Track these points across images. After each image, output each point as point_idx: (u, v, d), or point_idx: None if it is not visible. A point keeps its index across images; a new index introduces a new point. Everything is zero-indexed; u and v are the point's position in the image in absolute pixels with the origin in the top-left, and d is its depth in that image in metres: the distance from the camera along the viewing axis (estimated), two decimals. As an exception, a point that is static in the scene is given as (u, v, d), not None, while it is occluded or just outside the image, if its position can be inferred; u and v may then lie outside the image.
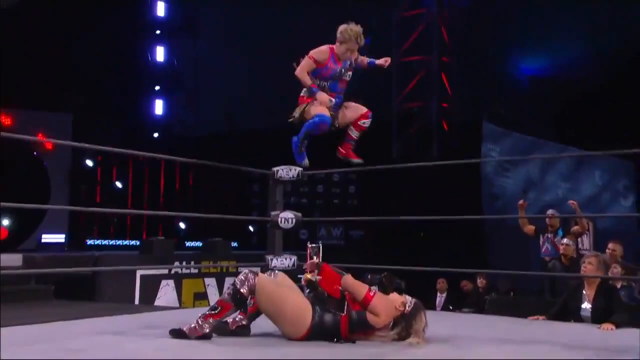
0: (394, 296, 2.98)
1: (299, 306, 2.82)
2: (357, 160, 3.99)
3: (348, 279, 2.94)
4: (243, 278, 2.89)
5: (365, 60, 3.81)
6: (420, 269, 5.04)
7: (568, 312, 4.18)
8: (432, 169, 7.53)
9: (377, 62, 3.79)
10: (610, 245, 5.70)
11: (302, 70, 3.63)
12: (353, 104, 3.82)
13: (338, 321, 2.82)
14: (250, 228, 13.98)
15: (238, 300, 2.89)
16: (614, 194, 14.36)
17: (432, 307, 7.27)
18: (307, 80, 3.64)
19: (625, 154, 12.33)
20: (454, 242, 11.01)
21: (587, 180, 13.60)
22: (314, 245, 4.92)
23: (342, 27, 3.63)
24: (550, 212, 6.54)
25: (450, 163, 8.36)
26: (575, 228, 6.13)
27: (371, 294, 2.86)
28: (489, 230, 11.57)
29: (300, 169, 4.88)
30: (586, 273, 4.20)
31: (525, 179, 12.24)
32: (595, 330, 3.62)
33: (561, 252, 5.94)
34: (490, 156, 11.37)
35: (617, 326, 3.64)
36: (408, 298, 2.95)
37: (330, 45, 3.66)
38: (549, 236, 6.33)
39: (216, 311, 2.88)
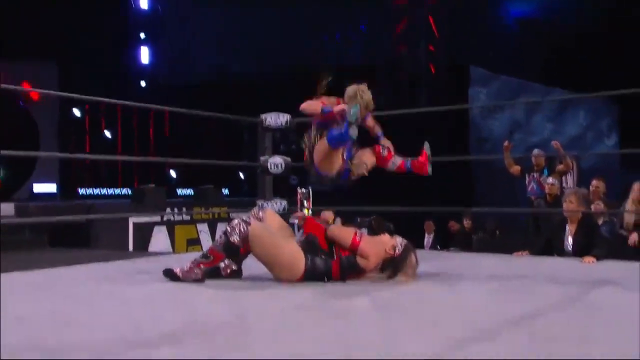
0: (384, 238, 3.00)
1: (293, 254, 2.84)
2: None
3: (333, 228, 2.93)
4: (235, 227, 2.86)
5: (372, 123, 3.58)
6: (408, 209, 5.13)
7: (552, 248, 4.31)
8: (420, 113, 7.52)
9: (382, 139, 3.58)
10: (594, 183, 5.82)
11: (308, 104, 3.33)
12: (359, 152, 3.49)
13: (329, 266, 2.86)
14: (241, 175, 14.01)
15: (230, 250, 2.91)
16: (598, 133, 14.50)
17: (420, 247, 7.40)
18: (314, 105, 3.31)
19: (609, 96, 12.48)
20: (442, 185, 11.12)
21: (571, 121, 13.71)
22: (303, 190, 4.98)
23: (351, 91, 3.32)
24: (535, 152, 6.61)
25: (438, 109, 8.42)
26: (560, 167, 6.21)
27: (357, 238, 2.87)
28: (477, 172, 11.69)
29: (289, 116, 4.88)
30: (568, 209, 4.31)
31: (511, 121, 12.32)
32: (578, 263, 3.74)
33: (546, 191, 6.05)
34: (478, 99, 11.36)
35: (598, 259, 3.77)
36: (398, 240, 2.97)
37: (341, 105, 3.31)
38: (535, 176, 6.42)
39: (208, 260, 2.90)
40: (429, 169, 3.51)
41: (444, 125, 10.79)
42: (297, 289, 2.71)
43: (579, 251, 4.05)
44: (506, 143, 6.38)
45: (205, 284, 2.88)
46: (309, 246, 2.88)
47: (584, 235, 4.16)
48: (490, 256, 4.31)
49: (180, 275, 2.88)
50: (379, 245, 2.93)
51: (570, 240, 4.24)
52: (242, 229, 2.84)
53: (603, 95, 7.34)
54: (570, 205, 4.30)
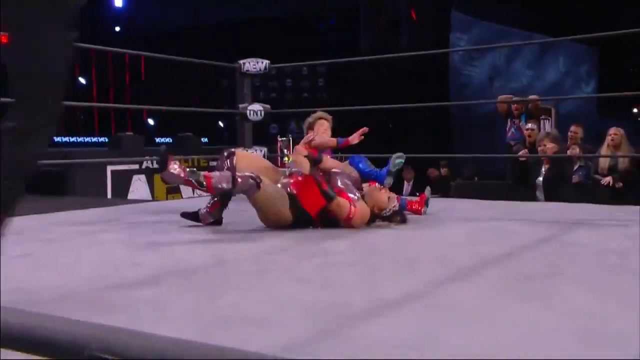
0: (381, 197, 2.99)
1: (283, 218, 2.83)
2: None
3: (333, 205, 2.81)
4: (244, 182, 2.71)
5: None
6: (388, 156, 5.15)
7: (526, 179, 4.51)
8: (401, 60, 7.49)
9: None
10: (572, 128, 5.89)
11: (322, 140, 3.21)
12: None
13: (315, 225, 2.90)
14: (220, 124, 13.89)
15: (224, 197, 2.95)
16: (577, 79, 14.56)
17: (400, 193, 7.48)
18: (329, 141, 3.23)
19: (588, 41, 12.46)
20: (421, 133, 11.17)
21: (551, 67, 13.73)
22: (284, 138, 4.96)
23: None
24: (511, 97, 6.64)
25: (418, 54, 8.32)
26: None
27: (351, 215, 2.83)
28: (456, 120, 11.72)
29: (268, 61, 4.81)
30: (546, 152, 4.43)
31: (491, 68, 12.30)
32: (553, 207, 3.81)
33: (526, 135, 6.10)
34: (458, 45, 11.27)
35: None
36: (391, 205, 3.00)
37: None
38: (515, 121, 6.48)
39: (202, 187, 2.80)
40: (424, 211, 3.44)
41: (424, 71, 10.75)
42: (278, 233, 2.75)
43: (548, 185, 4.20)
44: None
45: (185, 229, 2.90)
46: (296, 209, 2.84)
47: (554, 170, 4.32)
48: (468, 201, 4.39)
49: (201, 217, 2.93)
50: (368, 208, 2.93)
51: (542, 177, 4.41)
52: (252, 188, 2.71)
53: (581, 39, 7.33)
54: (549, 145, 4.42)
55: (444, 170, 8.84)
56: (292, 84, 13.26)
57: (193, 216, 3.06)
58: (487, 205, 4.01)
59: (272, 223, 2.86)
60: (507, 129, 6.59)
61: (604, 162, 5.36)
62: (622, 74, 13.89)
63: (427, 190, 3.60)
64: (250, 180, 2.70)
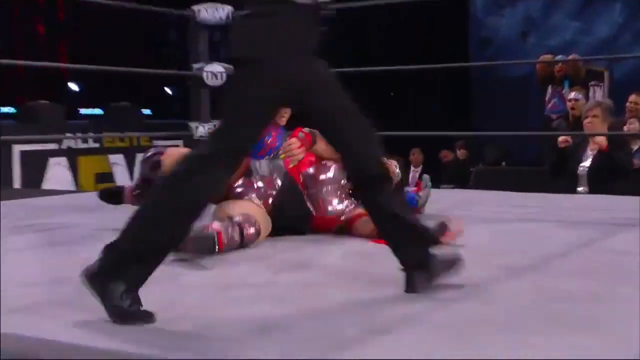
0: None
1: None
2: None
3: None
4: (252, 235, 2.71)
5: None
6: (389, 134, 5.16)
7: (567, 165, 4.54)
8: (404, 5, 7.42)
9: None
10: (632, 98, 5.90)
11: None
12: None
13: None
14: (168, 90, 13.80)
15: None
16: (637, 34, 14.60)
17: (406, 183, 7.51)
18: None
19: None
20: (432, 104, 11.18)
21: (603, 18, 13.71)
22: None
23: None
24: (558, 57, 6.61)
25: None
26: None
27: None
28: (477, 86, 11.73)
29: (231, 8, 4.76)
30: (590, 129, 4.47)
31: (524, 18, 12.22)
32: (600, 202, 3.85)
33: (569, 107, 6.10)
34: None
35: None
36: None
37: None
38: (558, 89, 6.48)
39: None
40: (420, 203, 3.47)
41: (435, 21, 10.73)
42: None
43: (594, 177, 4.23)
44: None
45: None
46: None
47: (604, 158, 4.33)
48: (491, 193, 4.40)
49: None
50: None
51: (588, 162, 4.42)
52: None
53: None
54: (594, 119, 4.45)
55: (460, 153, 8.85)
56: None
57: (115, 197, 3.06)
58: (515, 199, 4.02)
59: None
60: (547, 98, 6.60)
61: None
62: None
63: (425, 178, 3.57)
64: (253, 231, 2.66)
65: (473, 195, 4.52)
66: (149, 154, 3.04)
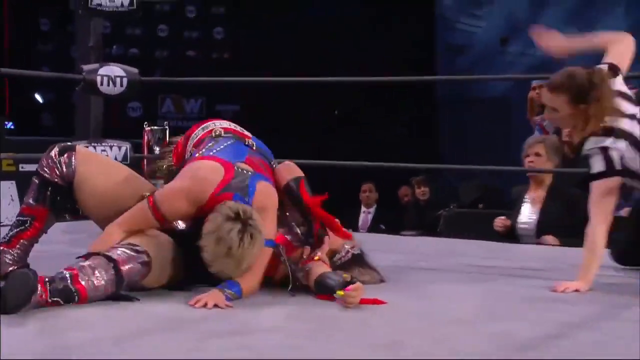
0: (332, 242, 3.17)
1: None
2: None
3: None
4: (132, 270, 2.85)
5: None
6: (331, 164, 5.28)
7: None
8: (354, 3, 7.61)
9: None
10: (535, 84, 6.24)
11: None
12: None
13: None
14: (38, 98, 13.70)
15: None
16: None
17: (355, 227, 7.63)
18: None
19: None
20: (387, 125, 11.38)
21: (606, 20, 13.94)
22: (155, 128, 4.98)
23: None
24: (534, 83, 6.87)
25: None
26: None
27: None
28: (445, 105, 12.00)
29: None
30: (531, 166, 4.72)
31: (506, 21, 12.41)
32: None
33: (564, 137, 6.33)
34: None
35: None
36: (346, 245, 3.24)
37: None
38: (537, 119, 6.72)
39: (25, 226, 2.91)
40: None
41: (393, 22, 11.01)
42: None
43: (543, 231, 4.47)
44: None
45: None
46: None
47: (555, 206, 4.57)
48: (470, 243, 4.55)
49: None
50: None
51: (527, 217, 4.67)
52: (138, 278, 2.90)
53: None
54: (536, 158, 4.71)
55: (420, 192, 8.90)
56: (169, 34, 13.15)
57: None
58: (500, 250, 4.20)
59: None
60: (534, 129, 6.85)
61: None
62: None
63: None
64: (138, 264, 2.76)
65: (444, 245, 4.66)
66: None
